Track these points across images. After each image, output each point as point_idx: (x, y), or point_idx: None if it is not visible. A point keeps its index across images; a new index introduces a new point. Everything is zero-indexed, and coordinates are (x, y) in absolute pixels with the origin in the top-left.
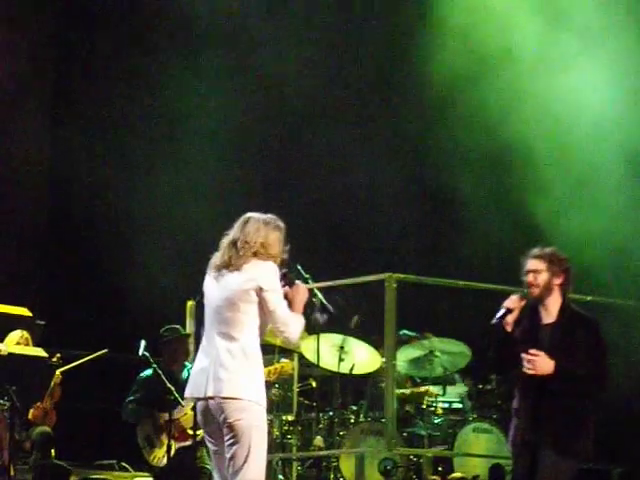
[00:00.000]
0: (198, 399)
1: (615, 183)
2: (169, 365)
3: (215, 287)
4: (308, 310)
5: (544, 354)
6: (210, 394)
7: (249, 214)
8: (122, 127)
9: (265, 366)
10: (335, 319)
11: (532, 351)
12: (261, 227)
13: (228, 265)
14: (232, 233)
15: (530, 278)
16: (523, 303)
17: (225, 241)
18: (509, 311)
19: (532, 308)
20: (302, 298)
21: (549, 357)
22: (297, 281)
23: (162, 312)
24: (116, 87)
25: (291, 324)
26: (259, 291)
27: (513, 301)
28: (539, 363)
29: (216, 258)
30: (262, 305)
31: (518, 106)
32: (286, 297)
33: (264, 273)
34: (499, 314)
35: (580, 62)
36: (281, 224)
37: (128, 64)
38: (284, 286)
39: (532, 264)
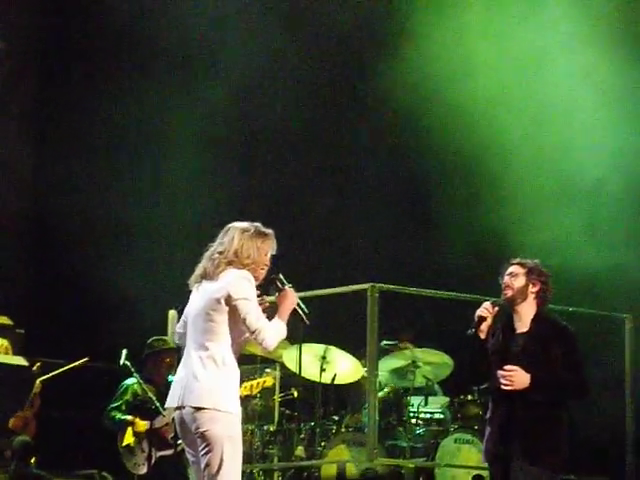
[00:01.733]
0: (175, 409)
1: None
2: (152, 375)
3: (195, 297)
4: (290, 319)
5: (520, 369)
6: (182, 404)
7: (232, 224)
8: (104, 140)
9: (247, 377)
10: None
11: (507, 367)
12: (237, 235)
13: (205, 276)
14: (214, 243)
15: (506, 280)
16: (496, 310)
17: (207, 252)
18: (482, 319)
19: (506, 317)
20: (289, 304)
21: (523, 367)
22: (286, 286)
23: (143, 321)
24: (98, 101)
25: (263, 331)
26: (229, 299)
27: (486, 308)
28: (515, 378)
29: (197, 269)
30: (235, 313)
31: (495, 113)
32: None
33: (234, 281)
34: (473, 323)
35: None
36: (265, 231)
37: (108, 79)
38: (273, 291)
39: (511, 268)
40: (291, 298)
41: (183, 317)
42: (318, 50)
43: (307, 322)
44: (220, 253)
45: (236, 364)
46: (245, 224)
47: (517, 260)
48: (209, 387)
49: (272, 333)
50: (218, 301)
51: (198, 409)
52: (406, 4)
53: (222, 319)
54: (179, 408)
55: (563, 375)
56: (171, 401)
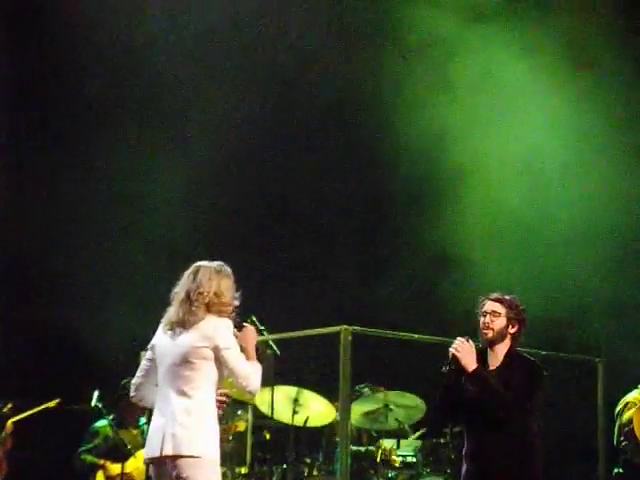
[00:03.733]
0: (153, 460)
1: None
2: (124, 417)
3: (169, 344)
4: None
5: (472, 344)
6: (167, 453)
7: (198, 263)
8: (77, 177)
9: (220, 419)
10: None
11: (461, 338)
12: (213, 276)
13: (183, 322)
14: (183, 285)
15: (487, 319)
16: (470, 345)
17: (177, 294)
18: (455, 356)
19: (480, 353)
20: (252, 341)
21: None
22: (244, 324)
23: (115, 363)
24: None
25: (251, 376)
26: (216, 350)
27: (460, 344)
28: (463, 348)
29: (170, 314)
30: (219, 362)
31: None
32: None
33: (219, 332)
34: (447, 360)
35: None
36: (229, 270)
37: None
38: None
39: (491, 306)
40: (252, 333)
41: (146, 363)
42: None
43: (278, 353)
44: (200, 294)
45: (215, 410)
46: (214, 264)
47: (495, 296)
48: (196, 434)
49: (255, 378)
50: (202, 350)
51: (179, 457)
52: None
53: (205, 367)
54: (158, 459)
55: (500, 388)
56: (150, 451)
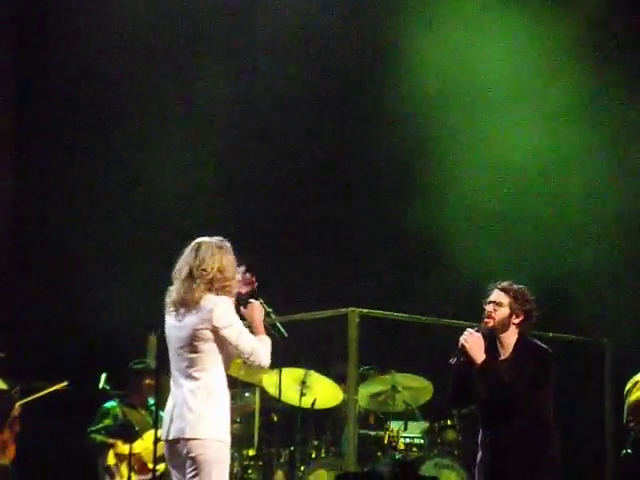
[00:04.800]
0: (166, 441)
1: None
2: (132, 397)
3: (174, 327)
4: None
5: (481, 336)
6: (174, 436)
7: (199, 239)
8: (85, 165)
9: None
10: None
11: (470, 330)
12: (215, 251)
13: (184, 302)
14: (185, 262)
15: (489, 308)
16: (479, 335)
17: (179, 272)
18: (464, 348)
19: (490, 343)
20: (259, 316)
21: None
22: (250, 300)
23: (123, 345)
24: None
25: (258, 350)
26: (216, 330)
27: (468, 336)
28: (471, 340)
29: (171, 293)
30: (221, 342)
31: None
32: (242, 318)
33: (216, 312)
34: (456, 351)
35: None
36: (229, 245)
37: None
38: (239, 306)
39: (496, 295)
40: (258, 308)
41: None
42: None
43: (285, 335)
44: (204, 270)
45: (226, 390)
46: (215, 239)
47: (502, 285)
48: (201, 417)
49: (264, 351)
50: (202, 333)
51: (190, 439)
52: None
53: (208, 348)
54: (169, 441)
55: (510, 378)
56: (163, 433)
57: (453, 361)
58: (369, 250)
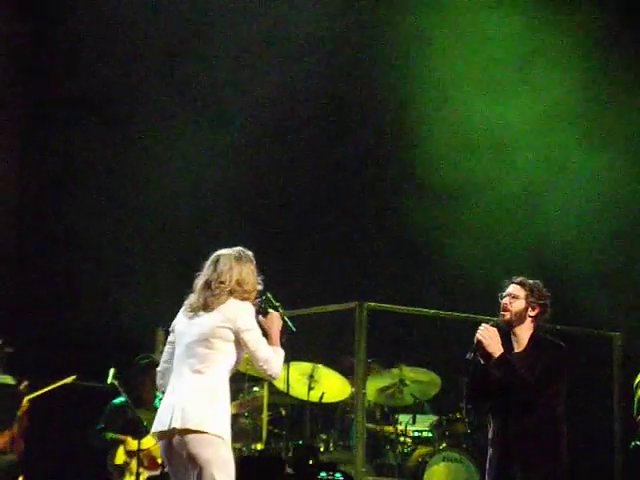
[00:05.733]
0: (161, 436)
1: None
2: (140, 392)
3: (188, 324)
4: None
5: (497, 333)
6: (175, 425)
7: (218, 252)
8: (91, 158)
9: (235, 395)
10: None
11: (485, 325)
12: (233, 264)
13: (205, 307)
14: (204, 275)
15: (505, 301)
16: (494, 329)
17: (199, 282)
18: (482, 342)
19: (505, 337)
20: (277, 327)
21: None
22: (270, 310)
23: (131, 340)
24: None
25: (272, 361)
26: (237, 332)
27: (484, 330)
28: (488, 335)
29: (191, 299)
30: (239, 344)
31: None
32: (261, 326)
33: (241, 314)
34: (472, 347)
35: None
36: (251, 255)
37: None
38: (258, 315)
39: (512, 288)
40: (278, 320)
41: (168, 347)
42: None
43: (294, 329)
44: (222, 283)
45: (228, 391)
46: (234, 251)
47: (518, 280)
48: (204, 411)
49: (277, 363)
50: (222, 331)
51: (191, 432)
52: None
53: (222, 347)
54: (168, 433)
55: (525, 373)
56: (159, 425)
57: (470, 356)
58: (378, 245)
